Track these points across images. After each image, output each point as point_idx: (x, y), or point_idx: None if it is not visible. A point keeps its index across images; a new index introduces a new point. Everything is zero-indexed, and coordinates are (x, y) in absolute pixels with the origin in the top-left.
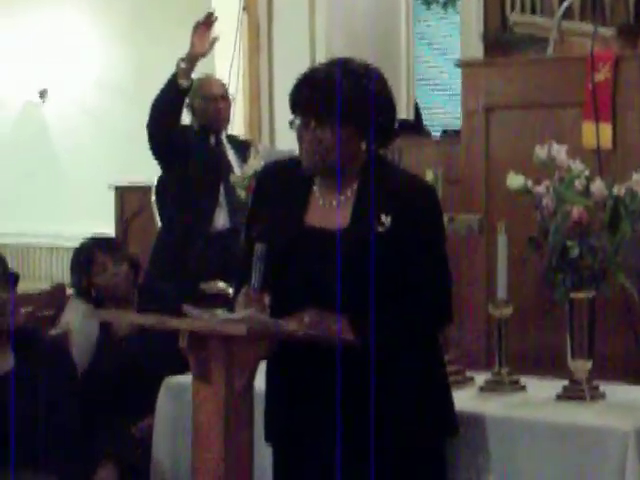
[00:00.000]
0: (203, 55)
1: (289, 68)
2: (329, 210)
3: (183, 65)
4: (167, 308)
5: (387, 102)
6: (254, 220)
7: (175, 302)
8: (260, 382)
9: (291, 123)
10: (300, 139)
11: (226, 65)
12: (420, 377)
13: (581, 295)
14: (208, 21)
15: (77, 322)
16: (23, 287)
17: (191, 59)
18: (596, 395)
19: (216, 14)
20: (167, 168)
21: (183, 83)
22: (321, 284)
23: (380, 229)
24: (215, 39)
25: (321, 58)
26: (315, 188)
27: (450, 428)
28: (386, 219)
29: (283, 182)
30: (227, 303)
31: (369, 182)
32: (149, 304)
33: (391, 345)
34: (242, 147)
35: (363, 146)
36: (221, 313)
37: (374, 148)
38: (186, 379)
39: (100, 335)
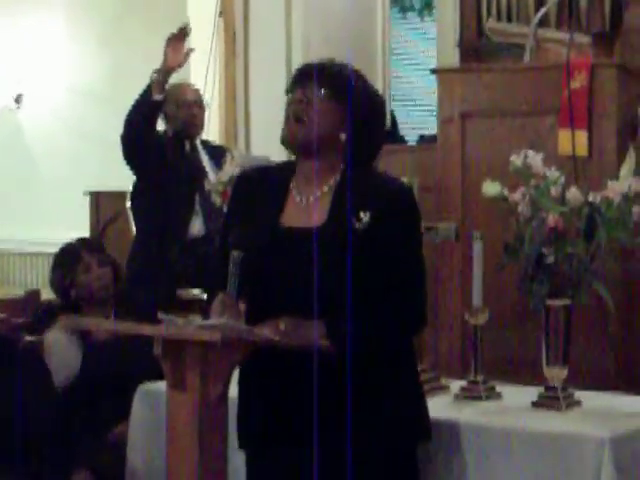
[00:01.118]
0: (177, 68)
1: (265, 74)
2: (306, 207)
3: (156, 78)
4: (143, 314)
5: (379, 114)
6: (230, 226)
7: (151, 308)
8: (232, 388)
9: (287, 90)
10: (288, 105)
11: (202, 70)
12: (391, 379)
13: (557, 302)
14: (182, 33)
15: (60, 343)
16: None
17: (165, 72)
18: (572, 402)
19: (191, 22)
20: (142, 177)
21: (157, 96)
22: (298, 284)
23: (358, 225)
24: (190, 50)
25: (298, 64)
26: (292, 185)
27: (422, 431)
28: (365, 215)
29: (260, 186)
30: (203, 310)
31: (348, 178)
32: (126, 310)
33: (367, 350)
34: (217, 153)
35: (342, 137)
36: (196, 320)
37: (359, 149)
38: (161, 386)
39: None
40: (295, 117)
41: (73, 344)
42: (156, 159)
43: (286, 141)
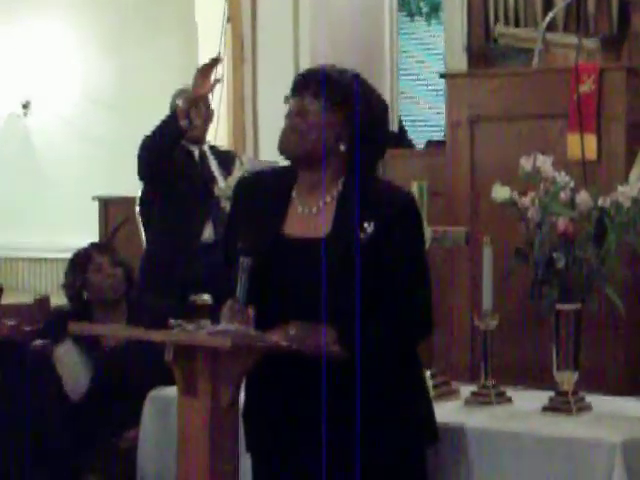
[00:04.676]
0: (205, 96)
1: (273, 80)
2: (309, 217)
3: (182, 106)
4: (154, 320)
5: (382, 121)
6: (232, 233)
7: (162, 314)
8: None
9: (287, 97)
10: (288, 115)
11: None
12: (396, 383)
13: (567, 307)
14: (213, 63)
15: (69, 363)
16: (6, 299)
17: (192, 100)
18: (582, 407)
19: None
20: (153, 187)
21: (183, 123)
22: (303, 293)
23: (362, 236)
24: (217, 80)
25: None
26: (294, 195)
27: (429, 433)
28: (369, 226)
29: (261, 193)
30: (212, 315)
31: (351, 188)
32: (138, 316)
33: (376, 355)
34: (226, 158)
35: (342, 147)
36: (206, 326)
37: (361, 159)
38: (171, 392)
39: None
40: (291, 129)
41: (82, 360)
42: (168, 173)
43: (283, 152)
